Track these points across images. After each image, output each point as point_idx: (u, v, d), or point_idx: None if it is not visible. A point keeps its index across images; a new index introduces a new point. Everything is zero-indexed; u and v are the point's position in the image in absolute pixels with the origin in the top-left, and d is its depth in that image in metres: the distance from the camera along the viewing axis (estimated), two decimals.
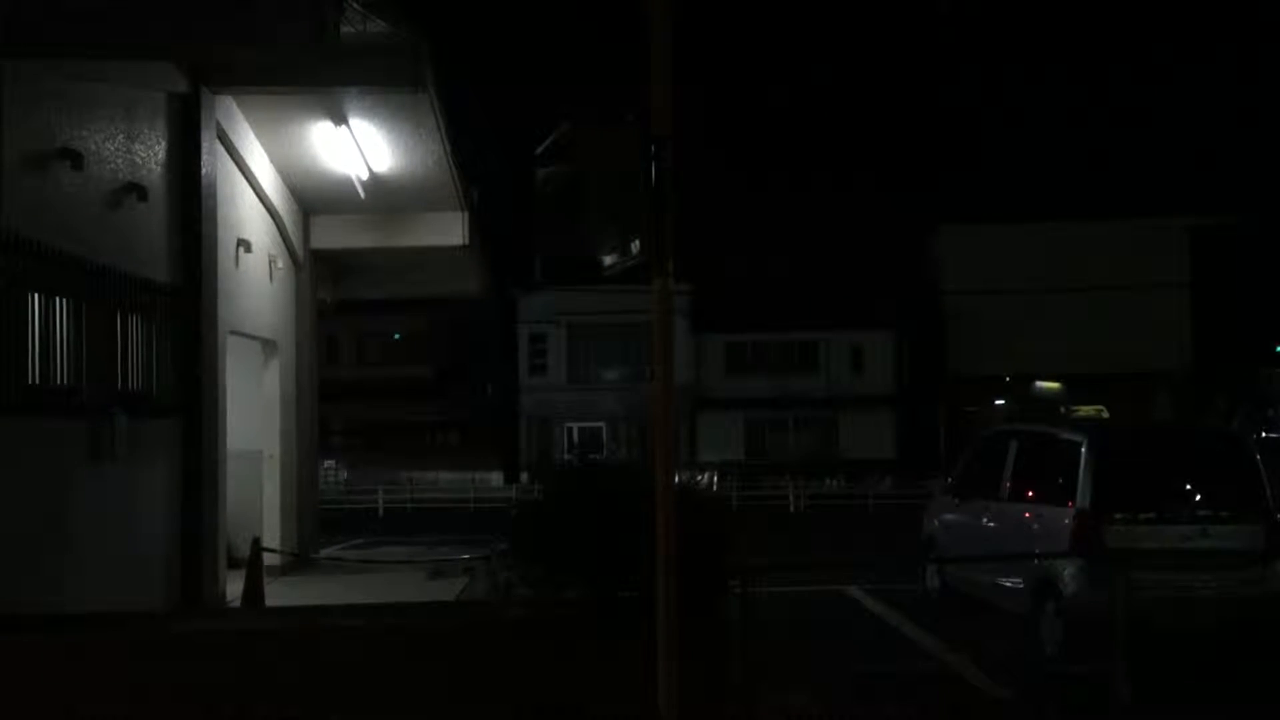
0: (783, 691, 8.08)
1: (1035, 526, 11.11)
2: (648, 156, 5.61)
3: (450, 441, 53.46)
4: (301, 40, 9.04)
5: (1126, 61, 60.54)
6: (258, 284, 13.08)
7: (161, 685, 6.04)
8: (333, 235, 15.28)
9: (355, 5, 9.62)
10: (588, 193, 6.35)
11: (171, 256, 10.38)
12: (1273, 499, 10.60)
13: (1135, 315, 42.07)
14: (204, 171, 10.67)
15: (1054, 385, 43.33)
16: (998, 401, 43.38)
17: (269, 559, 12.07)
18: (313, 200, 14.41)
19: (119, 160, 9.37)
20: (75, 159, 8.41)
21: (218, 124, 10.96)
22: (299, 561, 14.37)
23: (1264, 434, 34.96)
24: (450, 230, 15.16)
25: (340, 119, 11.32)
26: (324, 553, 16.30)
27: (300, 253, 14.75)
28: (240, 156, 11.88)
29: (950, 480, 14.20)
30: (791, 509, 33.58)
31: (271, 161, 12.97)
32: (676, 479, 5.92)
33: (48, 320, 8.23)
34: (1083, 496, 10.41)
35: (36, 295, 8.08)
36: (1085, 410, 38.84)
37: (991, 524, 12.10)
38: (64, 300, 8.46)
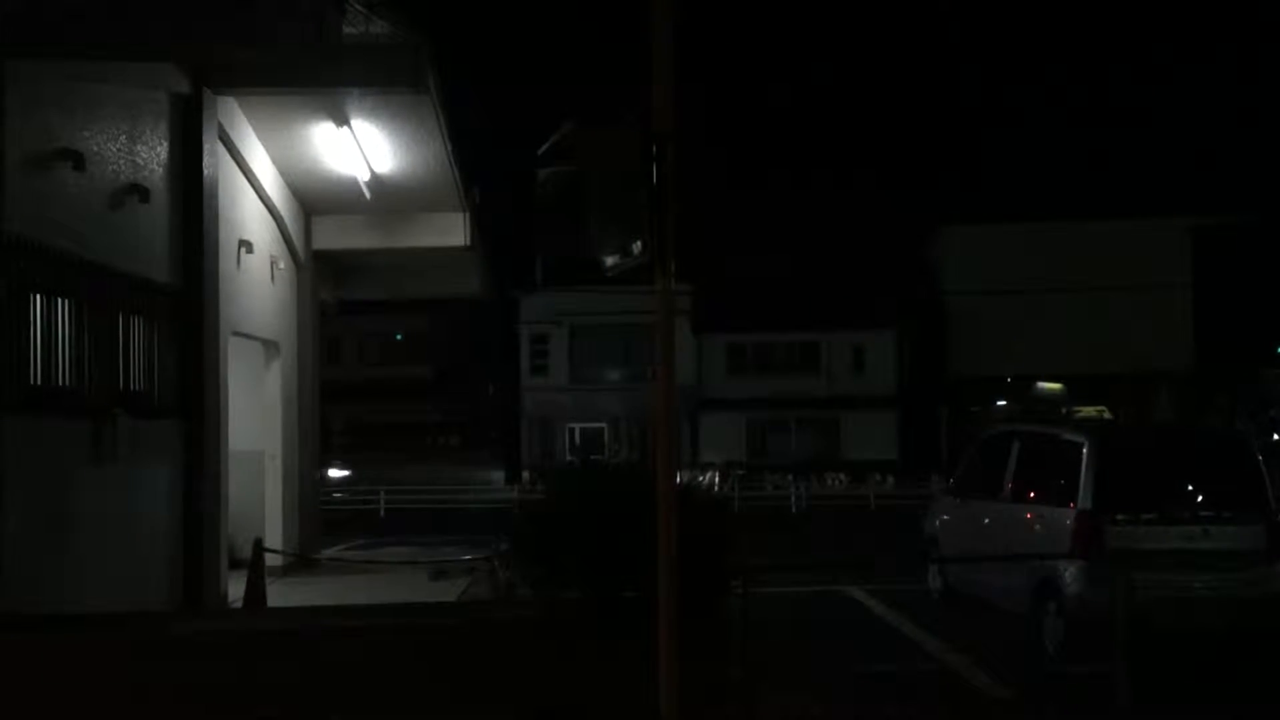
0: (783, 692, 8.08)
1: (1037, 527, 11.10)
2: (649, 157, 5.61)
3: (452, 442, 53.48)
4: (302, 41, 9.05)
5: (1127, 61, 60.57)
6: (259, 284, 13.08)
7: (162, 685, 6.04)
8: (334, 236, 15.29)
9: (357, 6, 9.62)
10: (589, 193, 6.35)
11: (173, 257, 10.38)
12: (1275, 499, 10.59)
13: (1137, 316, 42.02)
14: (206, 172, 10.67)
15: (1056, 386, 43.33)
16: (999, 402, 43.36)
17: (270, 560, 12.07)
18: (314, 201, 14.42)
19: (121, 161, 9.38)
20: (77, 160, 8.41)
21: (219, 125, 10.96)
22: (300, 562, 14.37)
23: (1275, 437, 34.98)
24: (452, 231, 15.16)
25: (342, 120, 11.33)
26: (326, 553, 16.30)
27: (302, 253, 14.76)
28: (242, 157, 11.88)
29: (952, 481, 14.20)
30: (793, 509, 33.57)
31: (273, 162, 12.98)
32: (678, 479, 5.92)
33: (49, 321, 8.24)
34: (1084, 497, 10.40)
35: (38, 296, 8.09)
36: (1087, 411, 38.87)
37: (993, 524, 12.10)
38: (66, 301, 8.47)
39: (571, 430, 45.45)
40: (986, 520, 12.27)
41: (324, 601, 11.11)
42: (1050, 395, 43.11)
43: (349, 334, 49.66)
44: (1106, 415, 38.52)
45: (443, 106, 11.14)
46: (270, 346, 14.12)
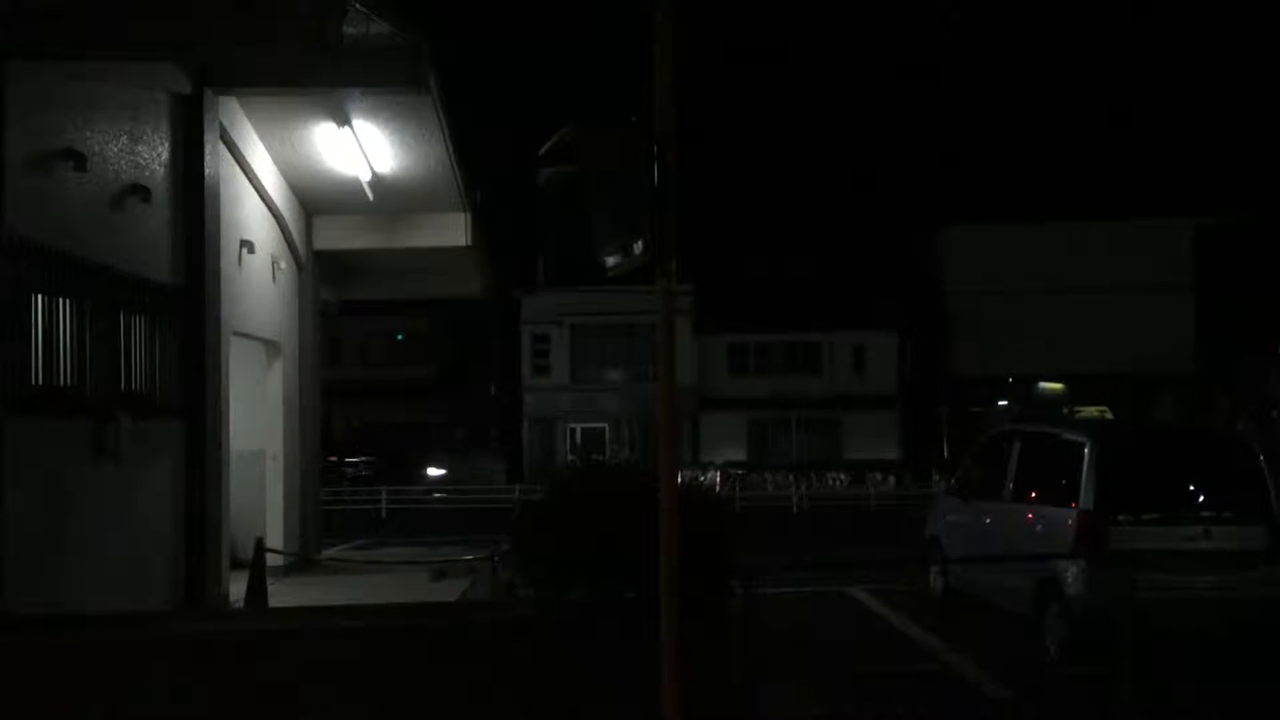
0: (784, 692, 8.07)
1: (1038, 527, 11.10)
2: (650, 157, 5.61)
3: (453, 442, 53.45)
4: (303, 41, 9.05)
5: (1127, 61, 60.55)
6: (260, 285, 13.09)
7: (162, 685, 6.04)
8: (335, 236, 15.30)
9: (358, 6, 9.62)
10: (590, 193, 6.35)
11: (174, 257, 10.38)
12: (1276, 500, 10.58)
13: (1138, 316, 42.03)
14: (207, 172, 10.68)
15: (1057, 386, 43.34)
16: (1000, 402, 43.36)
17: (272, 559, 12.08)
18: (315, 201, 14.43)
19: (122, 161, 9.38)
20: (78, 160, 8.41)
21: (221, 125, 10.97)
22: (302, 562, 14.38)
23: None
24: (453, 231, 15.17)
25: (343, 120, 11.33)
26: (327, 553, 16.31)
27: (303, 253, 14.76)
28: (243, 157, 11.89)
29: (953, 481, 14.19)
30: (794, 509, 33.57)
31: (274, 162, 12.98)
32: (679, 479, 5.92)
33: (51, 321, 8.24)
34: (1086, 497, 10.40)
35: (40, 296, 8.09)
36: (1089, 411, 38.89)
37: (994, 525, 12.10)
38: (67, 301, 8.47)
39: (572, 430, 45.45)
40: (988, 520, 12.27)
41: (325, 601, 11.11)
42: (1052, 395, 43.12)
43: (351, 334, 49.63)
44: (1108, 415, 38.53)
45: (444, 107, 11.14)
46: (271, 346, 14.12)
